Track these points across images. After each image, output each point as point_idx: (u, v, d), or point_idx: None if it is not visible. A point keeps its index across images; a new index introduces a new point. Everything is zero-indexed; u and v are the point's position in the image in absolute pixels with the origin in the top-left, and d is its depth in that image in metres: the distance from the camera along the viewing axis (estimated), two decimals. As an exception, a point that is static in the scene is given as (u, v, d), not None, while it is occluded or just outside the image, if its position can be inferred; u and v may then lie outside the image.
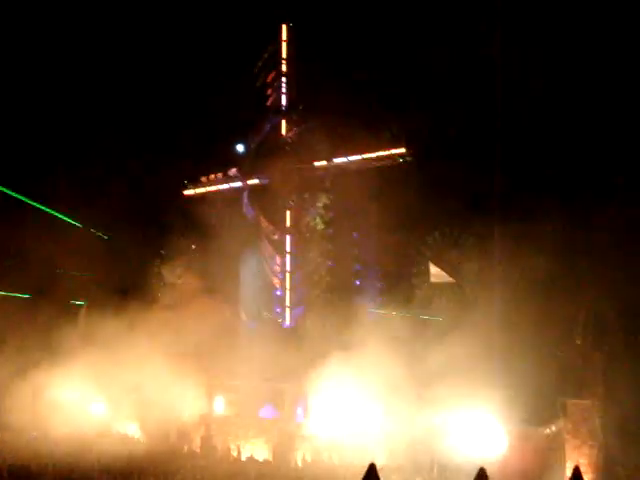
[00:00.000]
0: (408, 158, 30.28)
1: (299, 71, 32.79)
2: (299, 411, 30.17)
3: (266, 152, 32.84)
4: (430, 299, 29.30)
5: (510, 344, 27.00)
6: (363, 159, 31.14)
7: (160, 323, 30.75)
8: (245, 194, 33.24)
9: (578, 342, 26.92)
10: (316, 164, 32.11)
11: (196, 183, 34.16)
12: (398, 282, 30.14)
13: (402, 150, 30.40)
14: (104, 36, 31.77)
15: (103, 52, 31.73)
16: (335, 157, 31.71)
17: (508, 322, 27.40)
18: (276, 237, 33.05)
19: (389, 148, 30.67)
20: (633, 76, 26.67)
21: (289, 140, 32.52)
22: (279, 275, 32.85)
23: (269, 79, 32.88)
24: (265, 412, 30.67)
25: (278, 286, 32.99)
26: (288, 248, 32.90)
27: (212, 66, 31.21)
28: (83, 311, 32.64)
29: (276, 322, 32.95)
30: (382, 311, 30.30)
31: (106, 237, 32.00)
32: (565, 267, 26.34)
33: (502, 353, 26.95)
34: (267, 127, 32.89)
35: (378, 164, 30.85)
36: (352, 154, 31.37)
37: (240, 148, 33.26)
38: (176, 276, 32.79)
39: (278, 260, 33.02)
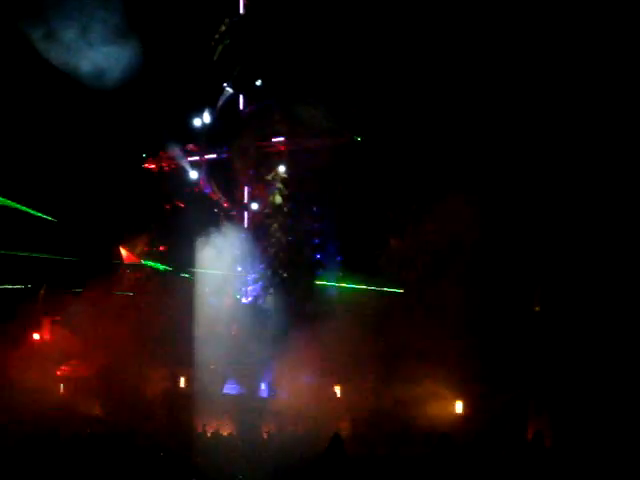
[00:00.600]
0: (360, 138, 30.49)
1: (257, 45, 32.40)
2: (263, 386, 30.37)
3: (224, 127, 32.61)
4: (392, 271, 29.45)
5: (471, 313, 27.45)
6: (319, 137, 31.17)
7: (122, 304, 30.66)
8: (202, 169, 32.98)
9: (537, 309, 27.53)
10: (273, 140, 32.02)
11: (155, 158, 33.79)
12: (359, 255, 30.27)
13: (357, 130, 30.60)
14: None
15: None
16: (292, 134, 31.54)
17: (468, 293, 27.80)
18: (234, 213, 32.91)
19: (345, 128, 30.68)
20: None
21: (246, 115, 32.32)
22: (237, 251, 32.65)
23: (227, 53, 32.56)
24: (229, 388, 30.78)
25: (237, 263, 32.81)
26: (246, 224, 32.74)
27: (169, 38, 30.74)
28: (41, 295, 32.22)
29: (237, 299, 32.85)
30: (344, 285, 30.42)
31: (54, 219, 31.06)
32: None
33: (462, 322, 27.37)
34: (224, 102, 32.60)
35: (335, 143, 30.95)
36: (309, 132, 31.27)
37: (197, 122, 32.91)
38: (137, 255, 32.48)
39: (237, 236, 32.84)
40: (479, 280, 27.57)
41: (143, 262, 32.12)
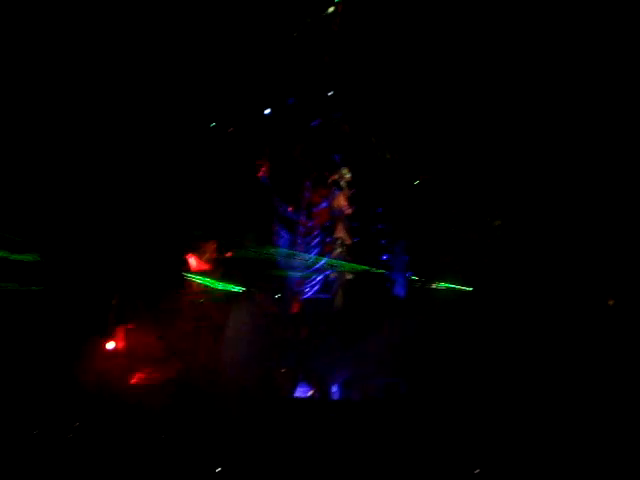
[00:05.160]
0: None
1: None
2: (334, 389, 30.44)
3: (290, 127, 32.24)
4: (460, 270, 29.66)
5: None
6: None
7: (195, 312, 30.97)
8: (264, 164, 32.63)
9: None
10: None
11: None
12: (427, 255, 30.41)
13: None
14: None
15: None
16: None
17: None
18: (295, 215, 32.91)
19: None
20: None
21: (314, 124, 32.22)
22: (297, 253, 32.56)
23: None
24: (300, 392, 30.76)
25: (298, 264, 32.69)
26: (307, 226, 32.68)
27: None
28: (114, 305, 32.37)
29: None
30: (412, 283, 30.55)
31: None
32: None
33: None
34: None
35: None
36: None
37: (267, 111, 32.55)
38: (205, 263, 32.51)
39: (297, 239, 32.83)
40: (548, 279, 27.78)
41: (202, 279, 31.89)
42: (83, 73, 30.03)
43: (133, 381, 30.46)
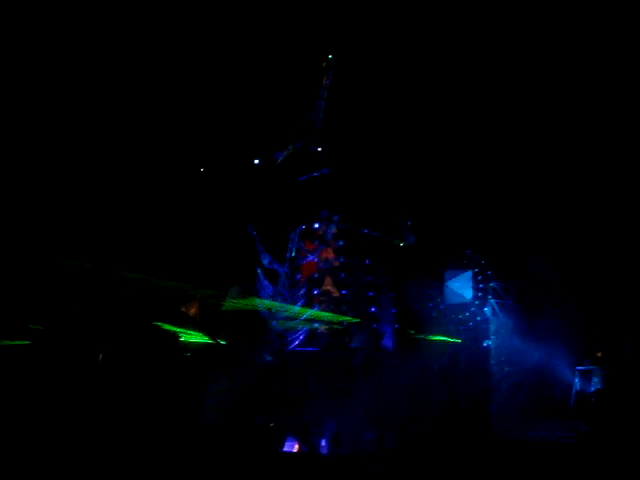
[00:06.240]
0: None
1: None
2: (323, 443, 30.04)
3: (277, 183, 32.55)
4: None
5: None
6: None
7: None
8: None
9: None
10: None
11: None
12: (414, 307, 30.44)
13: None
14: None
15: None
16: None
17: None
18: (280, 267, 32.80)
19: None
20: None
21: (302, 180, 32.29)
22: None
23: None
24: (289, 447, 30.37)
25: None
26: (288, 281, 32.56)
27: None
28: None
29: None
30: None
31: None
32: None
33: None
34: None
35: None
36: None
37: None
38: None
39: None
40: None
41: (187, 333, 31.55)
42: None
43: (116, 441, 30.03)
